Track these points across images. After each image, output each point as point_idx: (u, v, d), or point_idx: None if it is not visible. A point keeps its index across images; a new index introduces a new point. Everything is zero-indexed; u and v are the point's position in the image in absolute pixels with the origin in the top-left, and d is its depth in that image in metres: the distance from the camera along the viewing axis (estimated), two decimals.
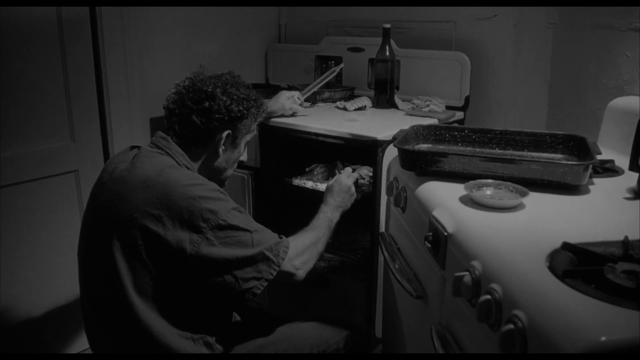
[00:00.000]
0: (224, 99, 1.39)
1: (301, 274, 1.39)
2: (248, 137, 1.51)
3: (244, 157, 1.56)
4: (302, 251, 1.40)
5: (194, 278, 1.30)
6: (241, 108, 1.42)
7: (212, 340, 1.39)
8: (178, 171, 1.34)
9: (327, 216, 1.55)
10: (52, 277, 2.10)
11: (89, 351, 1.47)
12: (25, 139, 1.98)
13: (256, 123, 1.52)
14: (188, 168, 1.40)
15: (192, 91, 1.40)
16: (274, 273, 1.32)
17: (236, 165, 1.54)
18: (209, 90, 1.39)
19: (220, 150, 1.44)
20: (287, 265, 1.35)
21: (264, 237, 1.33)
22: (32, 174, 2.01)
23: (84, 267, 1.41)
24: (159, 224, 1.25)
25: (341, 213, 1.60)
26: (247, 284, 1.29)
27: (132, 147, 1.46)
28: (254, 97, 1.47)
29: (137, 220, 1.26)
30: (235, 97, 1.41)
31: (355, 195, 1.66)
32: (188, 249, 1.25)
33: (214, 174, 1.47)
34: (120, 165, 1.37)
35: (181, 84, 1.43)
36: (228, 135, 1.43)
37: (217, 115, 1.39)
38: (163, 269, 1.29)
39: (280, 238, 1.38)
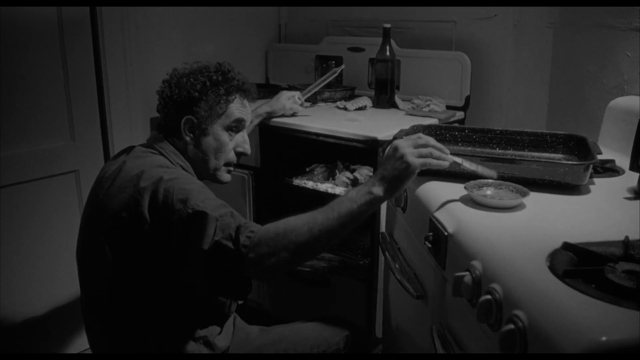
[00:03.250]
0: (180, 84, 1.40)
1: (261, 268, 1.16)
2: (224, 122, 1.43)
3: (243, 149, 1.48)
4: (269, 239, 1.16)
5: (189, 272, 1.28)
6: (191, 90, 1.39)
7: (212, 339, 1.39)
8: (166, 169, 1.31)
9: (346, 197, 1.20)
10: (52, 277, 2.10)
11: (89, 351, 1.47)
12: (25, 139, 1.98)
13: (230, 104, 1.42)
14: (182, 167, 1.40)
15: (162, 85, 1.44)
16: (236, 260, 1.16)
17: (227, 155, 1.45)
18: (167, 79, 1.43)
19: (186, 137, 1.41)
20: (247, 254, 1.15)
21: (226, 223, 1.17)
22: (32, 174, 2.01)
23: (81, 267, 1.41)
24: (143, 220, 1.23)
25: (383, 191, 1.17)
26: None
27: (130, 148, 1.46)
28: (216, 78, 1.41)
29: (125, 219, 1.25)
30: (190, 81, 1.40)
31: (410, 169, 1.15)
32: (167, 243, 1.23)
33: (199, 167, 1.44)
34: (112, 166, 1.37)
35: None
36: (188, 120, 1.40)
37: (170, 102, 1.41)
38: (156, 267, 1.28)
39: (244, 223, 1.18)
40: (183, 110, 1.40)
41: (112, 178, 1.32)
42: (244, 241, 1.14)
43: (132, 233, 1.25)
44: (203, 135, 1.42)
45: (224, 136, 1.44)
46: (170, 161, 1.38)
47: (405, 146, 1.17)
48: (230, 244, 1.15)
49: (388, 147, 1.25)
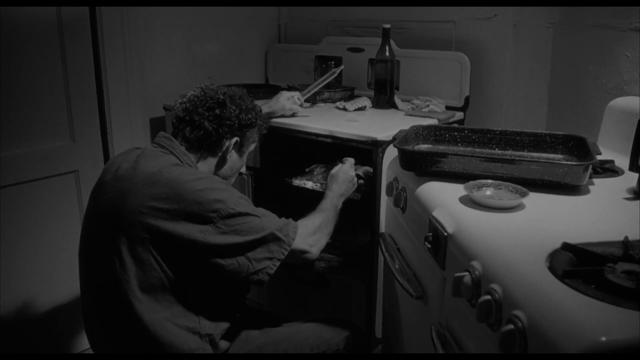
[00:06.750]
0: (234, 107, 1.47)
1: (314, 251, 1.45)
2: (251, 147, 1.57)
3: (243, 169, 1.62)
4: (312, 231, 1.47)
5: (206, 267, 1.32)
6: (250, 116, 1.50)
7: (217, 338, 1.39)
8: (182, 168, 1.38)
9: (333, 202, 1.60)
10: (52, 277, 2.10)
11: (89, 351, 1.47)
12: (25, 139, 1.98)
13: (259, 134, 1.59)
14: (191, 167, 1.43)
15: (204, 99, 1.47)
16: (285, 252, 1.37)
17: (237, 174, 1.60)
18: (220, 98, 1.47)
19: (228, 156, 1.50)
20: (298, 243, 1.40)
21: (272, 220, 1.39)
22: (32, 174, 2.01)
23: (86, 267, 1.42)
24: (168, 218, 1.28)
25: (343, 201, 1.65)
26: (260, 264, 1.34)
27: (134, 149, 1.48)
28: (259, 109, 1.57)
29: (145, 215, 1.28)
30: (244, 106, 1.50)
31: (356, 185, 1.72)
32: (200, 239, 1.28)
33: None
34: (123, 165, 1.39)
35: (191, 94, 1.50)
36: (236, 142, 1.49)
37: (227, 122, 1.46)
38: (173, 262, 1.31)
39: (288, 220, 1.42)
40: (237, 131, 1.49)
41: (127, 177, 1.34)
42: (292, 234, 1.38)
43: (153, 231, 1.28)
44: (239, 156, 1.54)
45: (245, 159, 1.57)
46: (180, 160, 1.42)
47: (354, 176, 1.71)
48: (281, 235, 1.36)
49: (341, 172, 1.70)
